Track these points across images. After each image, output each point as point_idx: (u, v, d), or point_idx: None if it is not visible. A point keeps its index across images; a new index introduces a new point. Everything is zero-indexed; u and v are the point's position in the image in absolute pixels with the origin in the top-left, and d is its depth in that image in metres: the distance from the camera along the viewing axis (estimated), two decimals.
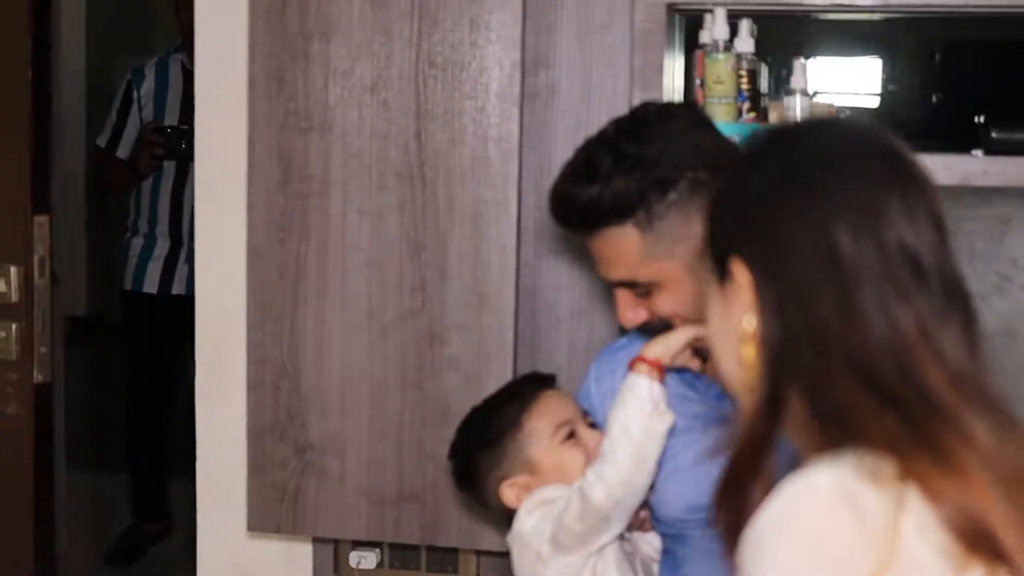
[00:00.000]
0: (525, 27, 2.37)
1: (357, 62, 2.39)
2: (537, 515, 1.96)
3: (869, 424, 1.19)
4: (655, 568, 2.10)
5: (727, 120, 2.30)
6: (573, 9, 2.50)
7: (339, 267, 2.43)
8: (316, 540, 2.72)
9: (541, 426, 2.02)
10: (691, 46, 2.47)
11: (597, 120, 2.46)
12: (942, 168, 2.31)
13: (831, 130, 1.34)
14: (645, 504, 2.06)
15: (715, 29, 2.30)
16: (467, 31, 2.36)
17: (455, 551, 2.65)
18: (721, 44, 2.29)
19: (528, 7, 2.37)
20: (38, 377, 3.02)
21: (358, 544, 2.67)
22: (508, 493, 2.01)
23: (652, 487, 1.99)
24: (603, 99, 2.49)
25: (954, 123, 2.42)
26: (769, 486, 1.22)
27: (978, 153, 2.39)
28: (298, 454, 2.48)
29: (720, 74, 2.29)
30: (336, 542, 2.69)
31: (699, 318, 1.90)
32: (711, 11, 2.31)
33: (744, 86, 2.33)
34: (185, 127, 4.39)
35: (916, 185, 1.26)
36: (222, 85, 2.68)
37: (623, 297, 2.02)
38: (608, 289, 2.45)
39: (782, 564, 1.15)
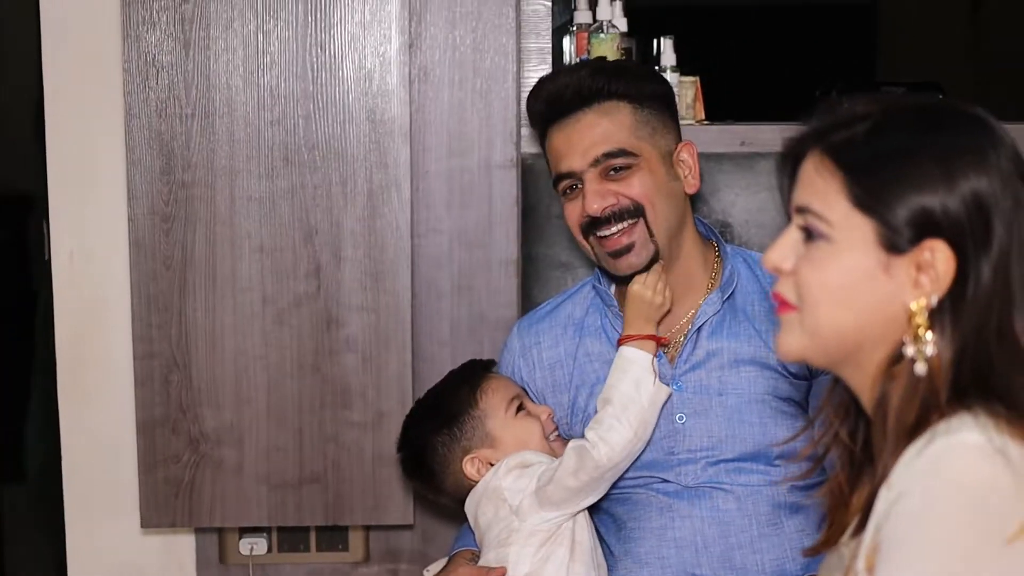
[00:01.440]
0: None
1: (240, 46, 2.36)
2: (514, 475, 2.07)
3: (1012, 384, 1.31)
4: None
5: None
6: None
7: (228, 255, 2.41)
8: (198, 531, 2.69)
9: (495, 402, 2.15)
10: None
11: (472, 103, 2.54)
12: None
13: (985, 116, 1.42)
14: None
15: (600, 10, 2.38)
16: (354, 15, 2.36)
17: (344, 530, 2.67)
18: (606, 25, 2.38)
19: None
20: None
21: (245, 531, 2.66)
22: (470, 467, 2.12)
23: None
24: (479, 81, 2.54)
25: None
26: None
27: None
28: (192, 447, 2.45)
29: (606, 52, 2.38)
30: (220, 531, 2.67)
31: (664, 212, 2.10)
32: None
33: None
34: None
35: None
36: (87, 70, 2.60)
37: (592, 184, 2.13)
38: (487, 266, 2.55)
39: (948, 529, 1.26)
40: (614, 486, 2.14)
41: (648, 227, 2.12)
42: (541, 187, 2.43)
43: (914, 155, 1.37)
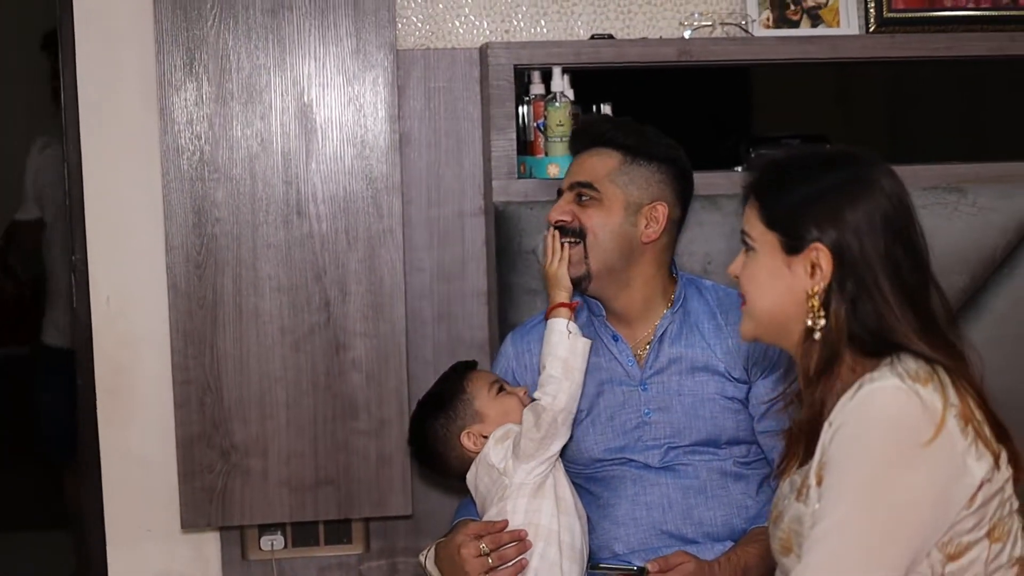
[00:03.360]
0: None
1: (257, 119, 2.84)
2: (501, 446, 2.56)
3: (906, 339, 1.85)
4: None
5: (566, 154, 2.92)
6: (421, 71, 3.07)
7: (252, 294, 2.88)
8: (223, 531, 3.13)
9: (479, 386, 2.65)
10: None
11: (446, 163, 3.08)
12: (724, 180, 3.02)
13: (867, 156, 1.97)
14: None
15: (554, 83, 2.91)
16: (349, 91, 2.86)
17: (349, 526, 3.14)
18: (559, 96, 2.91)
19: None
20: None
21: (264, 531, 3.11)
22: (467, 441, 2.61)
23: (573, 437, 2.61)
24: (450, 145, 3.07)
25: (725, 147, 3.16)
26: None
27: (739, 169, 3.11)
28: (223, 457, 2.90)
29: (561, 119, 2.91)
30: (241, 531, 3.12)
31: (605, 246, 2.60)
32: (549, 69, 2.93)
33: (573, 127, 2.96)
34: None
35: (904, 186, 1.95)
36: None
37: (563, 200, 2.66)
38: (462, 297, 3.05)
39: (876, 441, 1.79)
40: (594, 467, 2.65)
41: (585, 250, 2.61)
42: (512, 228, 2.93)
43: (802, 186, 1.95)
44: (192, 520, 2.94)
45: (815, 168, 1.97)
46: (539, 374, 2.58)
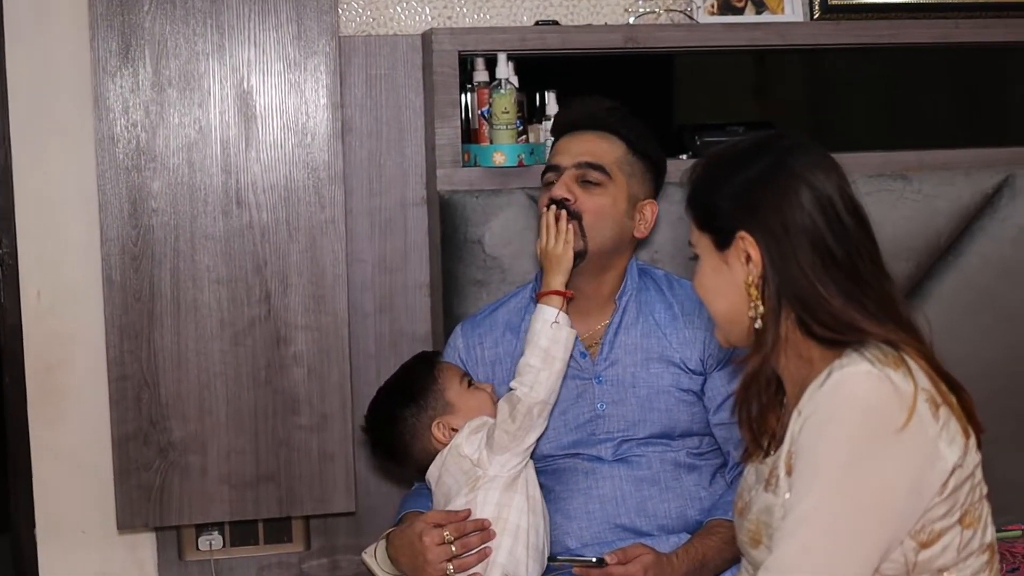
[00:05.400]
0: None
1: (196, 106, 2.76)
2: (474, 437, 2.48)
3: (863, 326, 1.82)
4: None
5: (511, 142, 2.87)
6: (362, 58, 3.00)
7: (190, 287, 2.79)
8: (158, 531, 3.05)
9: (450, 377, 2.58)
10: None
11: (388, 152, 3.01)
12: (670, 167, 2.99)
13: (789, 139, 1.94)
14: None
15: (499, 70, 2.86)
16: (289, 79, 2.79)
17: (289, 523, 3.07)
18: (504, 82, 2.86)
19: None
20: None
21: (201, 530, 3.03)
22: (438, 431, 2.53)
23: None
24: (392, 133, 3.01)
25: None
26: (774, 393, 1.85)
27: (683, 156, 3.09)
28: (161, 455, 2.82)
29: (506, 106, 2.85)
30: (178, 530, 3.04)
31: (601, 229, 2.53)
32: (494, 56, 2.87)
33: (518, 114, 2.91)
34: None
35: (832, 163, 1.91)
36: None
37: (566, 178, 2.57)
38: (404, 289, 3.00)
39: (848, 428, 1.75)
40: (544, 461, 2.60)
41: (582, 229, 2.53)
42: (458, 217, 2.88)
43: (723, 180, 1.92)
44: (128, 520, 2.85)
45: (735, 160, 1.95)
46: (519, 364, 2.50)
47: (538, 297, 2.51)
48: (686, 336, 2.60)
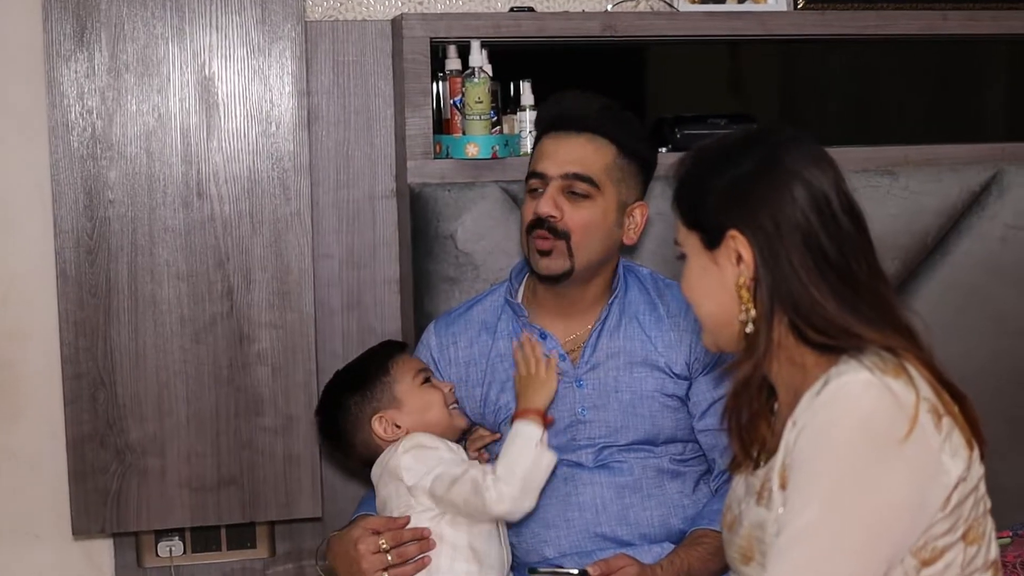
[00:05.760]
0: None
1: (155, 92, 2.64)
2: (411, 455, 2.35)
3: (860, 331, 1.71)
4: None
5: (484, 133, 2.76)
6: (329, 44, 2.88)
7: (148, 281, 2.67)
8: (116, 537, 2.92)
9: (404, 370, 2.46)
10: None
11: (356, 142, 2.89)
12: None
13: (782, 132, 1.84)
14: (485, 449, 2.51)
15: (472, 58, 2.74)
16: (252, 64, 2.66)
17: (252, 529, 2.95)
18: (478, 71, 2.74)
19: None
20: None
21: (161, 536, 2.90)
22: (378, 425, 2.42)
23: (501, 433, 2.45)
24: (360, 123, 2.89)
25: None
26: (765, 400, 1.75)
27: (663, 150, 2.98)
28: (118, 458, 2.70)
29: (480, 95, 2.74)
30: (136, 536, 2.91)
31: (590, 245, 2.41)
32: (467, 43, 2.76)
33: (492, 104, 2.80)
34: None
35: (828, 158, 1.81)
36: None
37: (552, 191, 2.43)
38: (373, 285, 2.88)
39: (846, 440, 1.64)
40: None
41: (569, 248, 2.42)
42: (429, 211, 2.76)
43: (711, 177, 1.81)
44: (84, 526, 2.72)
45: (725, 155, 1.83)
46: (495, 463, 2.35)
47: (518, 413, 2.35)
48: (671, 339, 2.49)
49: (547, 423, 2.34)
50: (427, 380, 2.47)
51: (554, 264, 2.43)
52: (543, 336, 2.49)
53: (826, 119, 3.74)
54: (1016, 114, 3.52)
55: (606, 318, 2.49)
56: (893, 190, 2.92)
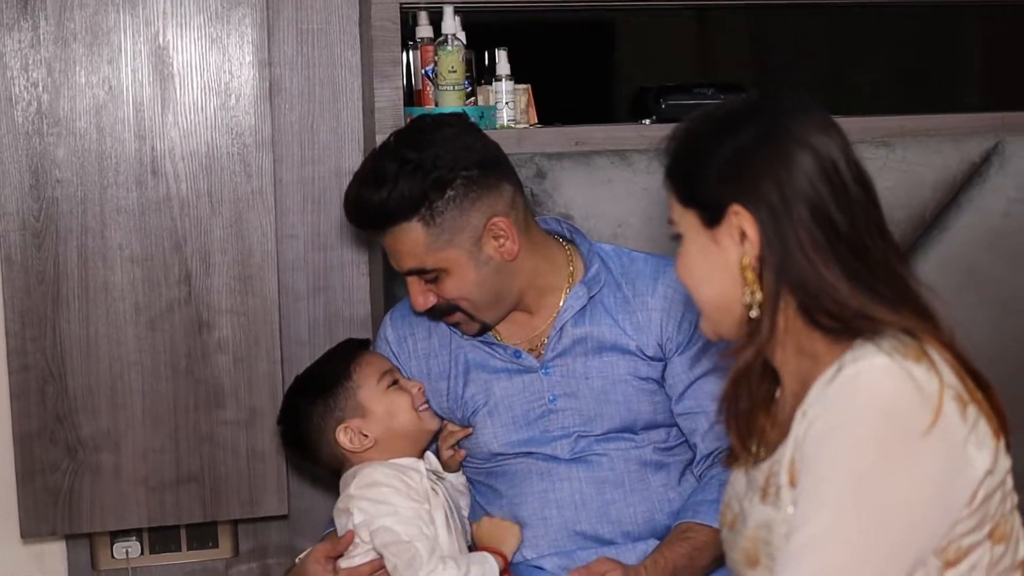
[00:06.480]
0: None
1: (104, 64, 2.46)
2: (367, 500, 2.21)
3: (876, 313, 1.56)
4: (461, 500, 2.40)
5: (458, 104, 2.60)
6: (292, 11, 2.70)
7: (100, 266, 2.50)
8: (69, 539, 2.75)
9: (368, 375, 2.30)
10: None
11: (321, 115, 2.71)
12: (632, 134, 2.74)
13: (784, 98, 1.68)
14: (456, 445, 2.35)
15: (445, 25, 2.58)
16: (210, 32, 2.49)
17: (214, 528, 2.78)
18: (451, 39, 2.58)
19: None
20: None
21: (117, 537, 2.74)
22: (343, 436, 2.27)
23: (473, 432, 2.30)
24: (326, 95, 2.71)
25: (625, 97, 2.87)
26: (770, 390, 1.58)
27: (646, 121, 2.83)
28: (70, 455, 2.53)
29: (453, 64, 2.58)
30: (90, 537, 2.74)
31: (482, 300, 2.23)
32: (440, 9, 2.60)
33: (466, 74, 2.64)
34: None
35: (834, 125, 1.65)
36: None
37: (414, 285, 2.30)
38: (340, 267, 2.72)
39: (864, 433, 1.49)
40: (493, 462, 2.34)
41: (467, 314, 2.29)
42: None
43: (709, 150, 1.64)
44: (33, 528, 2.55)
45: (724, 124, 1.66)
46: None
47: (482, 548, 2.27)
48: (639, 320, 2.33)
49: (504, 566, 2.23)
50: (394, 383, 2.32)
51: (469, 329, 2.33)
52: (490, 344, 2.35)
53: (801, 89, 3.63)
54: (999, 83, 3.40)
55: (573, 304, 2.33)
56: (890, 162, 2.77)
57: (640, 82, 2.90)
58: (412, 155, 2.22)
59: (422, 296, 2.29)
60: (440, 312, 2.31)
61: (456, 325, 2.34)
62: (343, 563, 2.25)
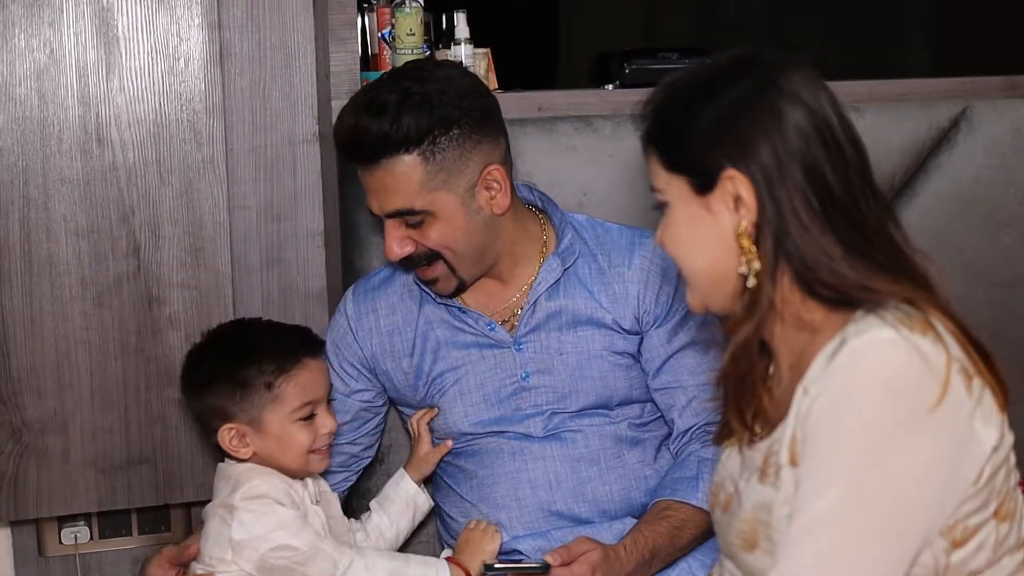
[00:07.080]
0: None
1: (46, 26, 2.34)
2: (251, 512, 2.06)
3: (876, 284, 1.49)
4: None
5: None
6: None
7: (43, 240, 2.39)
8: (14, 524, 2.64)
9: (289, 396, 2.12)
10: None
11: (273, 81, 2.60)
12: (595, 99, 2.65)
13: (771, 54, 1.60)
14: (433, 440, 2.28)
15: None
16: None
17: (166, 512, 2.68)
18: (408, 1, 2.48)
19: None
20: None
21: (65, 521, 2.63)
22: (224, 435, 2.12)
23: (440, 408, 2.23)
24: (277, 59, 2.60)
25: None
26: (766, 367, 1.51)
27: (609, 87, 2.75)
28: (14, 437, 2.42)
29: (412, 26, 2.49)
30: (37, 523, 2.63)
31: (466, 253, 2.14)
32: None
33: (425, 38, 2.54)
34: None
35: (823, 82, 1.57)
36: None
37: (392, 230, 2.18)
38: (294, 238, 2.61)
39: (871, 410, 1.42)
40: (463, 441, 2.26)
41: (449, 266, 2.20)
42: None
43: (696, 112, 1.57)
44: None
45: (710, 83, 1.59)
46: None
47: (450, 557, 2.17)
48: (615, 292, 2.25)
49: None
50: (310, 416, 2.13)
51: (444, 287, 2.23)
52: (462, 312, 2.26)
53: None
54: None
55: (547, 277, 2.25)
56: (858, 128, 2.70)
57: (605, 44, 2.82)
58: (416, 88, 2.12)
59: (398, 243, 2.18)
60: (416, 262, 2.20)
61: (432, 282, 2.23)
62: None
